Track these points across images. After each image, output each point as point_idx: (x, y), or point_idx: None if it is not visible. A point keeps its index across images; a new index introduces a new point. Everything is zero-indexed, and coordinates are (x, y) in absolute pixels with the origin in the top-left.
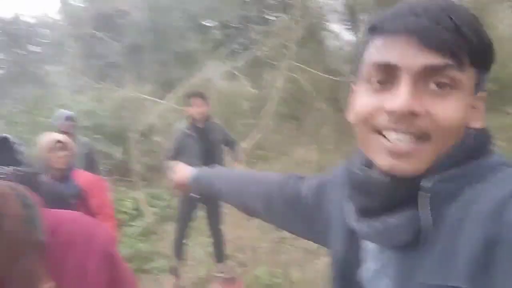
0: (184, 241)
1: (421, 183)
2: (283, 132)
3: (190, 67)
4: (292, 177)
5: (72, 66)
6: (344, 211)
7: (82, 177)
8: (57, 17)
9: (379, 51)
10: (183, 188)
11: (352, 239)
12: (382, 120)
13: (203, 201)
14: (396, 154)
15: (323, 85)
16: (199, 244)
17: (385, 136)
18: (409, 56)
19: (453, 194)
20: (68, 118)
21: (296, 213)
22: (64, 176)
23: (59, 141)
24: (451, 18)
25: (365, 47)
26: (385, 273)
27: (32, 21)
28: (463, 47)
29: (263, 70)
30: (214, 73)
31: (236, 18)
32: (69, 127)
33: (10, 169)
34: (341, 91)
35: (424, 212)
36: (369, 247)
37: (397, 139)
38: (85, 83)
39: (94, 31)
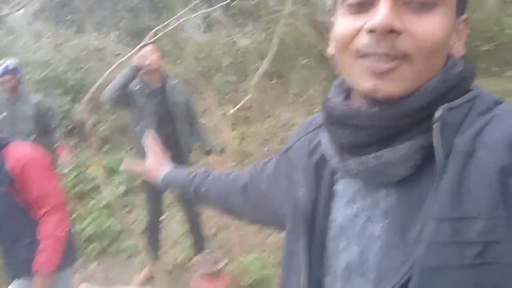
0: (158, 231)
1: (436, 113)
2: (266, 91)
3: (162, 14)
4: (250, 171)
5: (31, 10)
6: (312, 158)
7: (13, 156)
8: None
9: None
10: (151, 181)
11: (320, 185)
12: (362, 42)
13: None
14: (377, 74)
15: (309, 39)
16: (175, 221)
17: (366, 59)
18: None
19: (460, 123)
20: (10, 70)
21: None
22: None
23: None
24: None
25: None
26: (373, 214)
27: None
28: None
29: (247, 21)
30: (190, 22)
31: None
32: (9, 80)
33: None
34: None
35: (436, 142)
36: (346, 190)
37: (377, 60)
38: (44, 29)
39: None
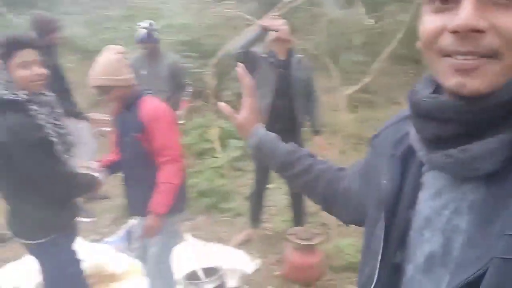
0: (261, 200)
1: None
2: (397, 76)
3: None
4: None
5: None
6: (398, 148)
7: (145, 108)
8: None
9: None
10: (242, 132)
11: (406, 176)
12: (447, 41)
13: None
14: (463, 70)
15: None
16: (281, 192)
17: (451, 57)
18: None
19: None
20: (145, 38)
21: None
22: (127, 105)
23: (98, 87)
24: None
25: None
26: (459, 207)
27: None
28: None
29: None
30: None
31: None
32: (148, 47)
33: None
34: None
35: None
36: (433, 183)
37: (463, 58)
38: None
39: None
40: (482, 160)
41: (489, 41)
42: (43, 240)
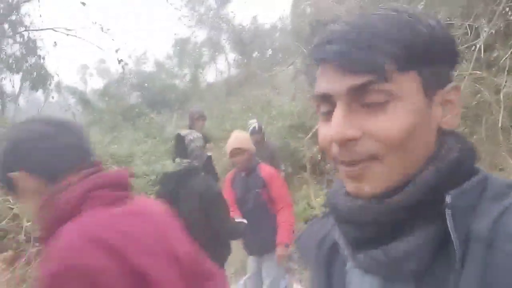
0: None
1: (446, 198)
2: (500, 143)
3: None
4: None
5: (296, 70)
6: (322, 249)
7: (265, 170)
8: (288, 21)
9: (318, 81)
10: None
11: (332, 275)
12: (334, 150)
13: None
14: (353, 177)
15: None
16: None
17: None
18: (336, 82)
19: (472, 209)
20: (254, 131)
21: None
22: (249, 170)
23: (237, 148)
24: (363, 35)
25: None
26: None
27: (266, 26)
28: (383, 58)
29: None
30: None
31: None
32: (256, 137)
33: (185, 161)
34: None
35: (451, 229)
36: (360, 282)
37: (349, 167)
38: (303, 85)
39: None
40: (405, 260)
41: (366, 146)
42: None
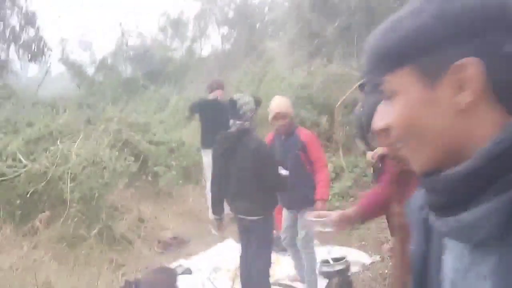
0: None
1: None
2: None
3: None
4: None
5: (290, 43)
6: (422, 212)
7: (303, 133)
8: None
9: None
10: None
11: (431, 238)
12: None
13: None
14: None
15: None
16: None
17: None
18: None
19: None
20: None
21: None
22: (289, 133)
23: (279, 113)
24: (368, 50)
25: None
26: (481, 270)
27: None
28: (373, 65)
29: None
30: None
31: None
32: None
33: (238, 123)
34: None
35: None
36: (454, 246)
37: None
38: (300, 58)
39: (311, 12)
40: (474, 228)
41: (392, 134)
42: (261, 217)
